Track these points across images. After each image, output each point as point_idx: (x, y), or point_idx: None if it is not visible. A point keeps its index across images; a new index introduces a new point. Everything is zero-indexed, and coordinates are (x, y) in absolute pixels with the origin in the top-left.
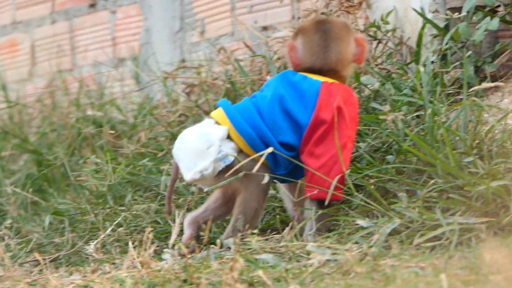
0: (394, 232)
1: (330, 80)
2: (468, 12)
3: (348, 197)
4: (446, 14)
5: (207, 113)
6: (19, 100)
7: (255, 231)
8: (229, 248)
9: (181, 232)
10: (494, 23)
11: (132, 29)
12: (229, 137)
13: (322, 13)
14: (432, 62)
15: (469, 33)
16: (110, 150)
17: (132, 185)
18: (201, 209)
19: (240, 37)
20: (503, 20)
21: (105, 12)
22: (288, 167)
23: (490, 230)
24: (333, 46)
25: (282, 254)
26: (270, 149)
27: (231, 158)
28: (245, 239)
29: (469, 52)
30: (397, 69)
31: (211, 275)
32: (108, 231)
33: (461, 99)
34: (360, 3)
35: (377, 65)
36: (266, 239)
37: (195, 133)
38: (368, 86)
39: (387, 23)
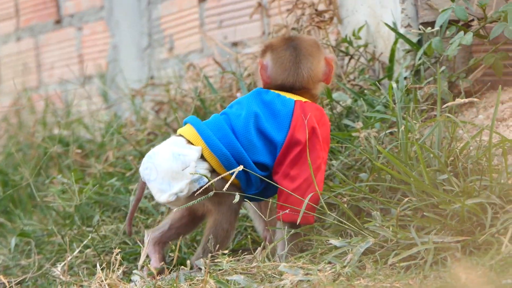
0: (368, 252)
1: (303, 99)
2: (441, 26)
3: (321, 216)
4: (419, 29)
5: (176, 131)
6: None
7: (226, 251)
8: (199, 269)
9: None
10: (468, 38)
11: (99, 46)
12: (202, 156)
13: (293, 29)
14: (405, 77)
15: (443, 48)
16: (77, 170)
17: (100, 205)
18: (163, 227)
19: (210, 53)
20: (477, 34)
21: (71, 29)
22: (260, 187)
23: (466, 249)
24: (305, 62)
25: (254, 275)
26: (240, 167)
27: (206, 180)
28: (216, 260)
29: (443, 67)
30: (370, 85)
31: None
32: (75, 253)
33: (435, 115)
34: (331, 18)
35: (349, 81)
36: (238, 260)
37: (168, 154)
38: (340, 102)
39: (359, 38)
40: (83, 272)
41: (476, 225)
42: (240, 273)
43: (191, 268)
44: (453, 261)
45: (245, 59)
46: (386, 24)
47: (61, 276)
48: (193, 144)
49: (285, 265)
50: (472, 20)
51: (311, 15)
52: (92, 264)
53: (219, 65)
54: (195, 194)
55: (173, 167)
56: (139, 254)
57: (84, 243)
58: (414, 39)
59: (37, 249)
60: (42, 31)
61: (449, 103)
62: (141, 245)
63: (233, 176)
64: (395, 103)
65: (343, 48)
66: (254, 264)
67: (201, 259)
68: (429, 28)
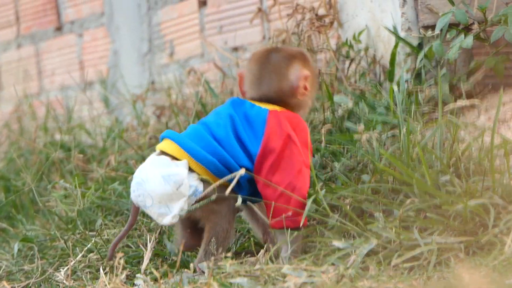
0: (371, 253)
1: (278, 108)
2: (441, 30)
3: (324, 218)
4: (419, 33)
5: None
6: None
7: (229, 254)
8: (203, 272)
9: (153, 256)
10: (468, 41)
11: (99, 52)
12: (189, 168)
13: (293, 33)
14: (406, 80)
15: (443, 51)
16: (79, 175)
17: (102, 210)
18: (181, 240)
19: (210, 58)
20: (477, 37)
21: (72, 35)
22: (250, 190)
23: (469, 250)
24: (267, 79)
25: (257, 278)
26: (242, 171)
27: (201, 190)
28: (219, 263)
29: (444, 70)
30: (371, 88)
31: None
32: (78, 257)
33: (437, 117)
34: (332, 23)
35: (350, 84)
36: (241, 262)
37: (158, 178)
38: (342, 105)
39: (360, 42)
40: (86, 276)
41: (479, 226)
42: (244, 276)
43: (194, 271)
44: (456, 261)
45: (246, 64)
46: (386, 28)
47: (64, 281)
48: (177, 159)
49: (288, 267)
50: (473, 23)
51: (311, 19)
52: (95, 268)
53: (220, 70)
54: (192, 205)
55: (167, 190)
56: (142, 257)
57: (87, 247)
58: (415, 43)
59: (40, 254)
60: (42, 38)
61: (451, 105)
62: (143, 249)
63: (234, 182)
64: (396, 106)
65: (343, 52)
66: (257, 266)
67: (204, 262)
68: (430, 31)
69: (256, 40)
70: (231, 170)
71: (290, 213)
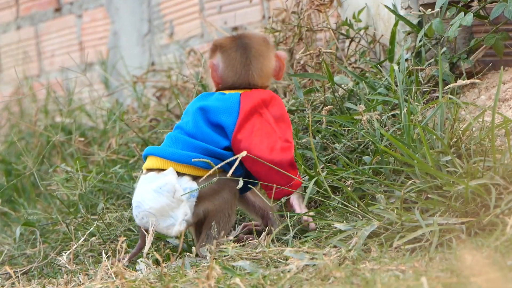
0: (373, 235)
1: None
2: (441, 8)
3: (325, 200)
4: (419, 11)
5: (179, 117)
6: None
7: (231, 237)
8: (204, 256)
9: (155, 240)
10: (468, 19)
11: (99, 33)
12: (178, 173)
13: (293, 12)
14: (406, 59)
15: (443, 29)
16: (80, 158)
17: (104, 193)
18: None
19: (210, 38)
20: (477, 15)
21: (71, 16)
22: (243, 171)
23: (470, 231)
24: (255, 63)
25: (260, 260)
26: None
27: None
28: (221, 246)
29: (444, 49)
30: (371, 67)
31: (187, 284)
32: (81, 241)
33: (437, 96)
34: (331, 1)
35: (350, 64)
36: (243, 245)
37: (151, 194)
38: (342, 85)
39: (359, 21)
40: (88, 260)
41: (481, 206)
42: (246, 259)
43: (197, 255)
44: (458, 242)
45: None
46: (386, 6)
47: (67, 265)
48: (163, 170)
49: (290, 250)
50: (472, 0)
51: None
52: (97, 252)
53: None
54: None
55: (164, 201)
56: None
57: (90, 231)
58: (414, 21)
59: (42, 238)
60: (42, 19)
61: (451, 85)
62: (145, 232)
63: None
64: (396, 86)
65: (343, 31)
66: (259, 249)
67: (206, 246)
68: (429, 9)
69: (255, 19)
70: (217, 157)
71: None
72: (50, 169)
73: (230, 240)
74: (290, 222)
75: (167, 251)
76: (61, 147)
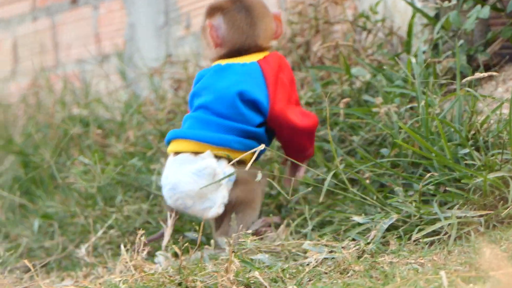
0: (391, 228)
1: (260, 56)
2: (458, 0)
3: (343, 193)
4: (436, 3)
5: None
6: (2, 100)
7: (250, 231)
8: (223, 248)
9: (173, 232)
10: (485, 11)
11: (115, 25)
12: (215, 156)
13: (310, 5)
14: (424, 52)
15: (460, 22)
16: (98, 151)
17: (122, 186)
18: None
19: None
20: (494, 7)
21: (87, 8)
22: (269, 140)
23: (489, 223)
24: (260, 24)
25: (278, 254)
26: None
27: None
28: (240, 239)
29: (461, 41)
30: (388, 59)
31: (206, 278)
32: (99, 234)
33: (455, 89)
34: None
35: (367, 56)
36: (261, 238)
37: (190, 177)
38: (359, 78)
39: (376, 13)
40: (107, 253)
41: (499, 199)
42: (265, 252)
43: (215, 247)
44: (476, 236)
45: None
46: None
47: (85, 258)
48: (199, 153)
49: (309, 243)
50: None
51: None
52: (116, 244)
53: None
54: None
55: (204, 184)
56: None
57: (108, 223)
58: (431, 13)
59: (60, 230)
60: (58, 11)
61: (469, 77)
62: (163, 225)
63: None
64: (414, 78)
65: (360, 23)
66: (278, 242)
67: (224, 239)
68: (446, 2)
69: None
70: (251, 136)
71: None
72: (67, 161)
73: (249, 233)
74: (309, 215)
75: (186, 244)
76: (78, 139)
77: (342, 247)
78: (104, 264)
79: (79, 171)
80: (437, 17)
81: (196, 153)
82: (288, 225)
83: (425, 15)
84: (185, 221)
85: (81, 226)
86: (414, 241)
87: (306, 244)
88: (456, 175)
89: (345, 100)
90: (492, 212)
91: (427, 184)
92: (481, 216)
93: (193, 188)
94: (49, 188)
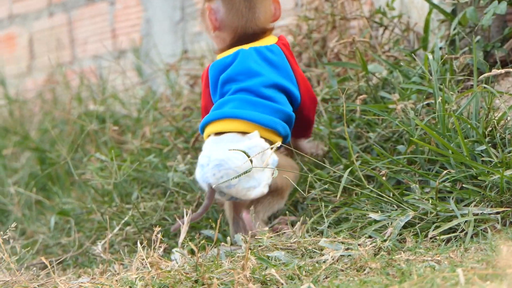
0: (408, 225)
1: (275, 39)
2: None
3: (359, 190)
4: None
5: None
6: (18, 96)
7: (266, 228)
8: (239, 245)
9: (190, 229)
10: (502, 7)
11: (132, 20)
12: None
13: (326, 0)
14: (440, 48)
15: (477, 18)
16: (114, 147)
17: (138, 182)
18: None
19: None
20: (511, 3)
21: (104, 3)
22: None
23: (506, 221)
24: (259, 6)
25: (294, 251)
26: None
27: (276, 158)
28: (256, 236)
29: (478, 37)
30: (405, 56)
31: (222, 275)
32: (116, 230)
33: (471, 85)
34: None
35: (384, 52)
36: (277, 235)
37: (239, 153)
38: (376, 74)
39: (393, 9)
40: (123, 250)
41: None
42: (281, 249)
43: (231, 244)
44: (493, 233)
45: (279, 31)
46: None
47: (102, 254)
48: (246, 133)
49: (325, 240)
50: None
51: None
52: (132, 241)
53: None
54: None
55: (253, 163)
56: (179, 230)
57: (124, 220)
58: (448, 9)
59: (77, 227)
60: (74, 6)
61: (486, 74)
62: (180, 222)
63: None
64: (431, 74)
65: (377, 19)
66: (294, 239)
67: (240, 236)
68: None
69: (288, 7)
70: (287, 121)
71: None
72: (84, 158)
73: (265, 231)
74: (325, 212)
75: (202, 241)
76: (95, 135)
77: (359, 244)
78: (121, 261)
79: (95, 168)
80: (454, 13)
81: (244, 133)
82: (304, 222)
83: (442, 11)
84: (201, 218)
85: (98, 222)
86: (431, 238)
87: (323, 241)
88: (473, 172)
89: (361, 96)
90: (509, 209)
91: (444, 181)
92: (498, 213)
93: (241, 165)
94: (66, 185)
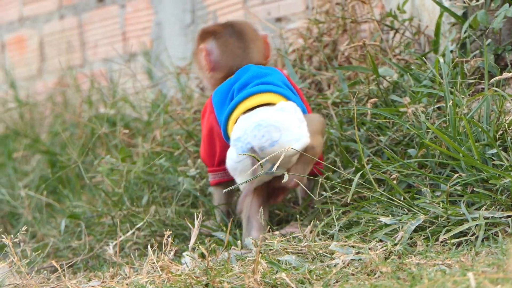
0: (418, 229)
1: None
2: None
3: (370, 194)
4: (464, 2)
5: None
6: (29, 98)
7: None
8: (249, 249)
9: (200, 233)
10: None
11: (142, 23)
12: None
13: (337, 3)
14: (451, 51)
15: (488, 21)
16: (124, 148)
17: (149, 185)
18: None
19: None
20: None
21: (114, 6)
22: None
23: None
24: (252, 46)
25: (305, 255)
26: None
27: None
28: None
29: (489, 40)
30: (416, 59)
31: (233, 279)
32: (128, 234)
33: (482, 89)
34: None
35: (394, 55)
36: (288, 240)
37: (274, 112)
38: (387, 77)
39: (404, 12)
40: (134, 253)
41: None
42: (291, 253)
43: (242, 248)
44: (504, 236)
45: (290, 34)
46: None
47: (113, 256)
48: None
49: (336, 244)
50: None
51: None
52: (143, 245)
53: None
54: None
55: (295, 118)
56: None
57: (138, 226)
58: (459, 12)
59: (87, 230)
60: (85, 9)
61: (497, 77)
62: (190, 226)
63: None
64: (442, 78)
65: (388, 23)
66: (304, 243)
67: (250, 239)
68: (474, 0)
69: (299, 10)
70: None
71: None
72: (94, 161)
73: (276, 235)
74: (335, 216)
75: (213, 245)
76: (105, 139)
77: (369, 248)
78: (131, 264)
79: (106, 169)
80: (464, 16)
81: (272, 104)
82: (315, 226)
83: (453, 14)
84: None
85: (108, 226)
86: (442, 242)
87: (333, 245)
88: (484, 176)
89: (372, 100)
90: None
91: (455, 184)
92: (508, 217)
93: (280, 119)
94: (76, 188)
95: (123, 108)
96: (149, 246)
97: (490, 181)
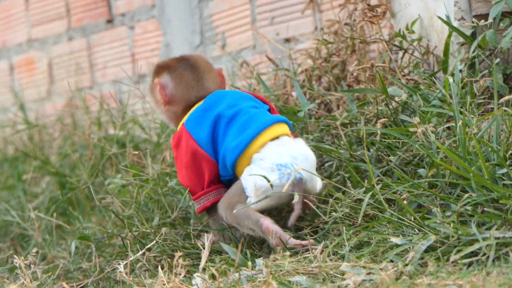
0: (429, 249)
1: None
2: (494, 19)
3: (380, 214)
4: (472, 22)
5: None
6: (38, 120)
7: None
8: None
9: (210, 254)
10: None
11: (151, 45)
12: None
13: (346, 24)
14: (460, 71)
15: (497, 40)
16: (134, 165)
17: (159, 206)
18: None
19: (262, 50)
20: None
21: (123, 28)
22: None
23: None
24: (207, 77)
25: (316, 275)
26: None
27: None
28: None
29: (498, 60)
30: (424, 79)
31: None
32: (139, 254)
33: (492, 108)
34: (384, 13)
35: (403, 75)
36: (298, 261)
37: (309, 151)
38: (396, 98)
39: (413, 32)
40: (144, 274)
41: None
42: (302, 274)
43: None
44: None
45: (298, 55)
46: (440, 18)
47: (124, 276)
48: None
49: (347, 265)
50: None
51: (363, 10)
52: (153, 266)
53: (272, 62)
54: None
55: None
56: (200, 255)
57: (148, 246)
58: (468, 32)
59: (98, 252)
60: (94, 31)
61: (506, 97)
62: (200, 246)
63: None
64: (451, 97)
65: (396, 43)
66: (315, 264)
67: (262, 260)
68: (483, 20)
69: (308, 31)
70: None
71: None
72: (104, 181)
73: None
74: (346, 236)
75: (224, 265)
76: (115, 160)
77: (380, 269)
78: (142, 285)
79: (116, 186)
80: (473, 35)
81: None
82: (325, 246)
83: (462, 34)
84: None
85: (119, 247)
86: (452, 262)
87: (344, 265)
88: (494, 196)
89: (382, 120)
90: None
91: (465, 204)
92: None
93: (314, 158)
94: (86, 209)
95: (132, 129)
96: (159, 267)
97: (500, 201)
